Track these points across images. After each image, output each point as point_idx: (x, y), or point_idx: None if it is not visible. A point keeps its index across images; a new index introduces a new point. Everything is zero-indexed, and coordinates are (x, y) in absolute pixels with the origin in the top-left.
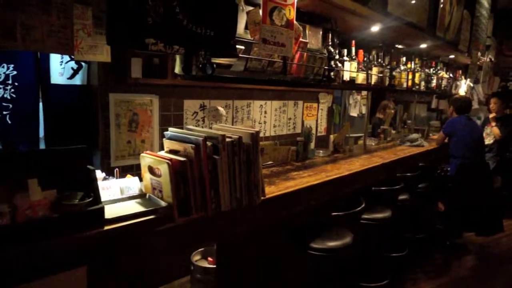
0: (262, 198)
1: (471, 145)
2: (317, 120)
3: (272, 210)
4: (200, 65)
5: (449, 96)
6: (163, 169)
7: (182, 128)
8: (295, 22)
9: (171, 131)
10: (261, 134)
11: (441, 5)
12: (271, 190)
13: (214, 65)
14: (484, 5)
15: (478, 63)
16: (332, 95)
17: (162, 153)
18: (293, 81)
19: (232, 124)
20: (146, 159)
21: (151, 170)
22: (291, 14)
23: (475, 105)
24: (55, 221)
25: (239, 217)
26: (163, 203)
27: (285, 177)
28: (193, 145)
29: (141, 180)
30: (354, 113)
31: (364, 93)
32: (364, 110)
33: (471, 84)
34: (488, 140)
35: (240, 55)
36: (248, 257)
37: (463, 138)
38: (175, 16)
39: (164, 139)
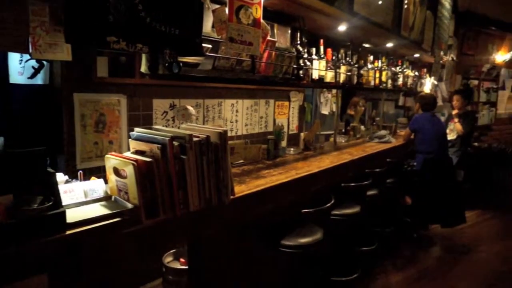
0: (232, 197)
1: (435, 141)
2: (288, 118)
3: (243, 209)
4: (167, 64)
5: (415, 93)
6: (129, 170)
7: (151, 129)
8: (262, 21)
9: (137, 131)
10: (233, 133)
11: (405, 6)
12: (241, 189)
13: (181, 64)
14: (445, 6)
15: (441, 61)
16: (303, 93)
17: (128, 154)
18: (262, 80)
19: (203, 124)
20: (111, 160)
21: (116, 171)
22: (258, 13)
23: (439, 102)
24: (12, 227)
25: (209, 217)
26: (129, 205)
27: (255, 176)
28: (160, 145)
29: (106, 182)
30: (325, 111)
31: (334, 91)
32: (335, 108)
33: (435, 82)
34: (452, 136)
35: (208, 53)
36: (220, 257)
37: (427, 134)
38: (138, 14)
39: (129, 139)
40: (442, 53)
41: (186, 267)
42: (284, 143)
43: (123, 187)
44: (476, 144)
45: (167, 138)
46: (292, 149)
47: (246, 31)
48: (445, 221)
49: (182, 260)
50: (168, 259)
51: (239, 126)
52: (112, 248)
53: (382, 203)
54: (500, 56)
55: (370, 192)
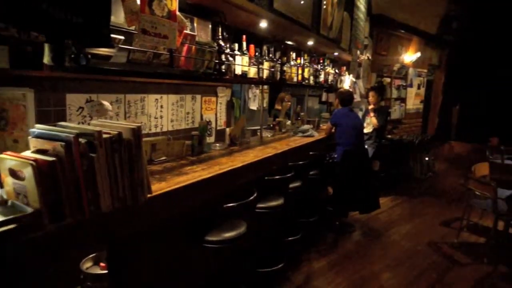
0: (149, 195)
1: (353, 134)
2: (216, 114)
3: (162, 207)
4: (73, 56)
5: (336, 90)
6: (27, 171)
7: (56, 125)
8: (178, 13)
9: (38, 128)
10: (158, 129)
11: (324, 6)
12: (161, 187)
13: (89, 56)
14: (361, 9)
15: (358, 60)
16: (231, 89)
17: (27, 153)
18: (183, 74)
19: (125, 119)
20: (6, 161)
21: (13, 173)
22: (173, 5)
23: (357, 98)
24: None
25: (124, 217)
26: (29, 209)
27: (177, 173)
28: (63, 143)
29: (2, 186)
30: (253, 106)
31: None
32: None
33: (354, 79)
34: (368, 129)
35: (120, 45)
36: (142, 257)
37: (346, 128)
38: None
39: (29, 137)
40: (358, 52)
41: (107, 271)
42: (212, 139)
43: (21, 190)
44: (389, 136)
45: (72, 135)
46: (218, 144)
47: (161, 24)
48: (362, 208)
49: (102, 264)
50: (87, 265)
51: (164, 122)
52: (8, 260)
53: (306, 194)
54: (408, 57)
55: (293, 184)
